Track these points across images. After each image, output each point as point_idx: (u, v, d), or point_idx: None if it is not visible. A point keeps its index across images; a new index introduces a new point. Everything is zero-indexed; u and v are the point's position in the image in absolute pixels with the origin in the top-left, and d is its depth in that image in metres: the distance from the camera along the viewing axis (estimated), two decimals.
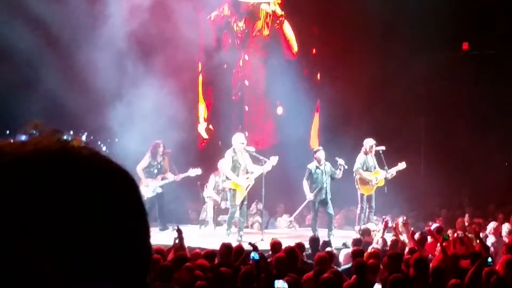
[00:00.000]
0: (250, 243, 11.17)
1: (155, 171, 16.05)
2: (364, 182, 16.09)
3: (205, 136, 20.90)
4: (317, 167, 15.54)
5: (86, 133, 17.10)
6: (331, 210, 15.59)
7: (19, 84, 16.75)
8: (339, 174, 15.54)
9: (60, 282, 0.87)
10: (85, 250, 0.88)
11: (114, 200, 0.93)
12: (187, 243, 12.59)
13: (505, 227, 13.66)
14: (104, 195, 0.92)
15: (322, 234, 14.33)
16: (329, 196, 15.52)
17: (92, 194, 0.91)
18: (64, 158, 0.92)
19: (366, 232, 13.78)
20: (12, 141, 0.95)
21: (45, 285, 0.86)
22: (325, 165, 15.55)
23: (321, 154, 15.62)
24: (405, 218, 13.71)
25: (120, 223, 0.93)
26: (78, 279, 0.87)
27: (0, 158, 0.91)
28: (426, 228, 13.95)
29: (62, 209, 0.88)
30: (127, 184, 0.97)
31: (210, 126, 20.97)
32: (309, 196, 15.62)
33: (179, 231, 11.71)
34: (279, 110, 21.44)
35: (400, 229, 13.86)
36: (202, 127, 21.02)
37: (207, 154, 18.26)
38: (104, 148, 17.03)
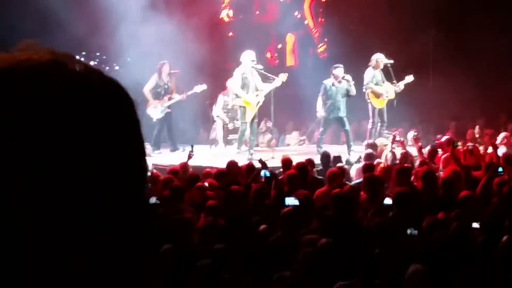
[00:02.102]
0: (259, 160, 11.25)
1: (162, 91, 16.01)
2: (376, 95, 16.03)
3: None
4: (333, 84, 15.44)
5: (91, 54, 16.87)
6: (347, 126, 15.58)
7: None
8: (352, 90, 15.44)
9: (56, 200, 0.85)
10: (78, 166, 0.86)
11: (109, 114, 0.91)
12: (198, 162, 12.68)
13: None
14: (98, 109, 0.90)
15: (333, 150, 14.31)
16: (344, 114, 15.46)
17: (85, 107, 0.88)
18: (55, 70, 0.90)
19: (373, 146, 13.74)
20: None
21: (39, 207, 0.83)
22: (341, 82, 15.42)
23: (339, 71, 15.48)
24: (415, 132, 13.69)
25: (114, 137, 0.91)
26: (74, 197, 0.85)
27: None
28: (436, 140, 13.94)
29: (51, 124, 0.85)
30: (121, 98, 0.95)
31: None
32: (320, 113, 15.64)
33: (190, 156, 11.91)
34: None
35: (410, 143, 13.85)
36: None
37: (214, 73, 18.12)
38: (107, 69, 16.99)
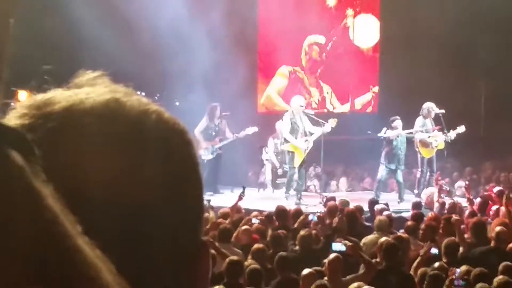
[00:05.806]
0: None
1: (213, 133, 16.13)
2: (424, 144, 15.92)
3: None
4: (397, 136, 15.52)
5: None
6: (400, 178, 15.65)
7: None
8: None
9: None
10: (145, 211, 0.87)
11: (167, 154, 0.92)
12: (246, 205, 12.69)
13: None
14: (156, 149, 0.91)
15: (384, 198, 14.28)
16: (401, 166, 15.54)
17: (142, 148, 0.89)
18: (112, 110, 0.91)
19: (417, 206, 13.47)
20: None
21: None
22: (400, 135, 15.50)
23: (398, 123, 15.54)
24: (466, 182, 13.60)
25: (172, 177, 0.91)
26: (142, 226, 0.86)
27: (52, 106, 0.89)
28: (489, 191, 13.78)
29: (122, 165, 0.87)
30: (179, 137, 0.95)
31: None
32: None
33: (240, 198, 11.93)
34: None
35: (458, 193, 13.76)
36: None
37: (265, 116, 18.21)
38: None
